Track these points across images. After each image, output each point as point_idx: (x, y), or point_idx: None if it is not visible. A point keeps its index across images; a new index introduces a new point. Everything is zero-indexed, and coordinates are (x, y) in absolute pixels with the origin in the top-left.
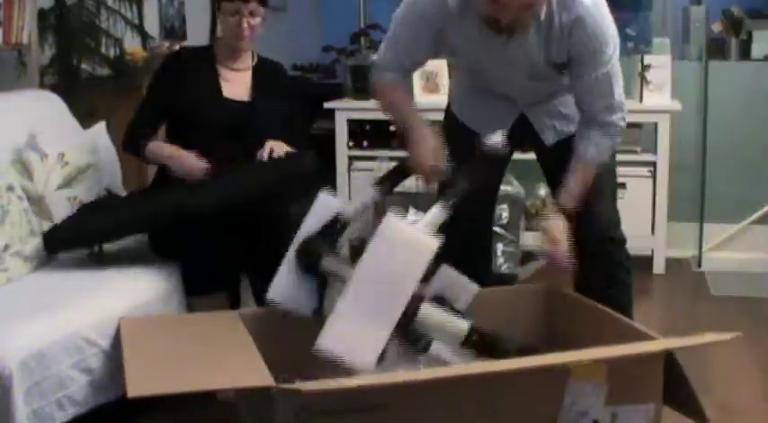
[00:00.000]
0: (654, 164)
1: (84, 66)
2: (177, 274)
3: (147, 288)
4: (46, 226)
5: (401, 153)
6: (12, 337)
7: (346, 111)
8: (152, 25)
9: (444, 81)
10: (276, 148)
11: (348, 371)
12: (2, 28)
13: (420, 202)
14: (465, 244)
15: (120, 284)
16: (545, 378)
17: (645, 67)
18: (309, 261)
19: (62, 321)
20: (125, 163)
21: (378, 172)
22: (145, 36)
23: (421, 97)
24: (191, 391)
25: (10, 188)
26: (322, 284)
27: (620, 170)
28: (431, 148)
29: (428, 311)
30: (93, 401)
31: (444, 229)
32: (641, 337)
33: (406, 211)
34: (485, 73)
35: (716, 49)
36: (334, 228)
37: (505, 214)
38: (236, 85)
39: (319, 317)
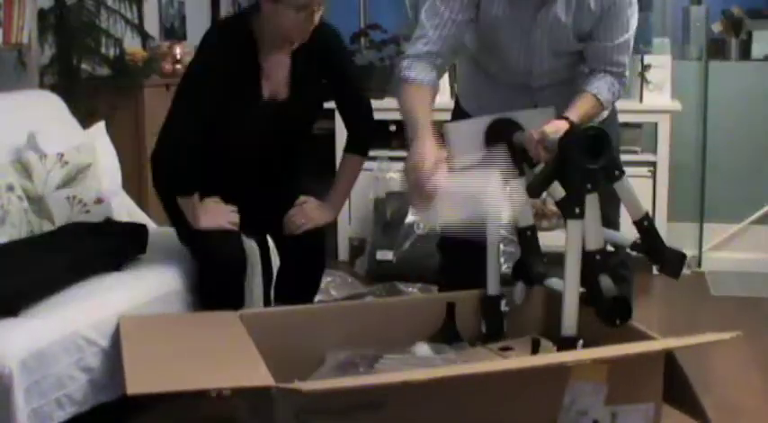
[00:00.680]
0: (654, 164)
1: (84, 66)
2: (178, 274)
3: (147, 288)
4: (46, 226)
5: (401, 153)
6: (12, 336)
7: None
8: (152, 25)
9: (445, 84)
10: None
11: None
12: (2, 28)
13: None
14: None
15: (120, 284)
16: (545, 378)
17: (645, 67)
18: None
19: (62, 321)
20: (125, 163)
21: (378, 172)
22: (145, 36)
23: None
24: (189, 390)
25: (10, 188)
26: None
27: None
28: (429, 162)
29: None
30: (93, 400)
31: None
32: (641, 337)
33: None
34: (506, 54)
35: (716, 49)
36: None
37: None
38: (275, 76)
39: None
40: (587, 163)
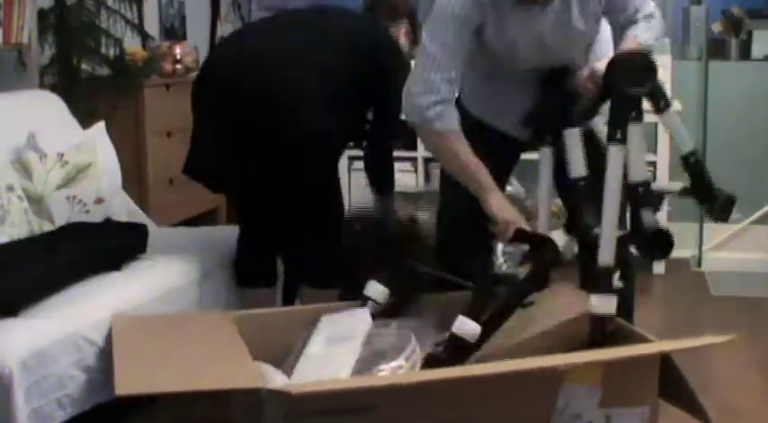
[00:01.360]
0: (654, 164)
1: (84, 66)
2: (178, 274)
3: (146, 288)
4: (46, 226)
5: (401, 153)
6: (12, 336)
7: None
8: (152, 25)
9: None
10: None
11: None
12: (2, 28)
13: (420, 202)
14: (470, 243)
15: (120, 284)
16: (538, 380)
17: None
18: None
19: (62, 321)
20: (125, 163)
21: None
22: (145, 36)
23: None
24: (179, 391)
25: (10, 188)
26: None
27: None
28: (513, 211)
29: None
30: (93, 400)
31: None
32: (636, 339)
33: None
34: (516, 55)
35: (716, 49)
36: None
37: None
38: None
39: None
40: (631, 88)
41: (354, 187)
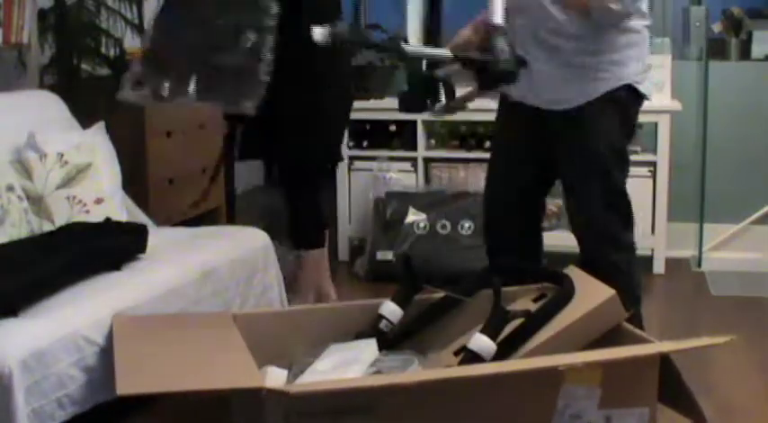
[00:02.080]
0: (654, 164)
1: (84, 66)
2: (178, 274)
3: (147, 288)
4: (46, 226)
5: (401, 153)
6: (12, 336)
7: None
8: None
9: None
10: None
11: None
12: (2, 28)
13: (419, 203)
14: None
15: (120, 284)
16: (538, 381)
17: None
18: None
19: (62, 320)
20: (125, 163)
21: (378, 172)
22: None
23: None
24: (180, 391)
25: (10, 188)
26: None
27: None
28: None
29: None
30: (93, 400)
31: None
32: (636, 339)
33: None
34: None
35: (716, 49)
36: None
37: None
38: None
39: None
40: None
41: (354, 187)
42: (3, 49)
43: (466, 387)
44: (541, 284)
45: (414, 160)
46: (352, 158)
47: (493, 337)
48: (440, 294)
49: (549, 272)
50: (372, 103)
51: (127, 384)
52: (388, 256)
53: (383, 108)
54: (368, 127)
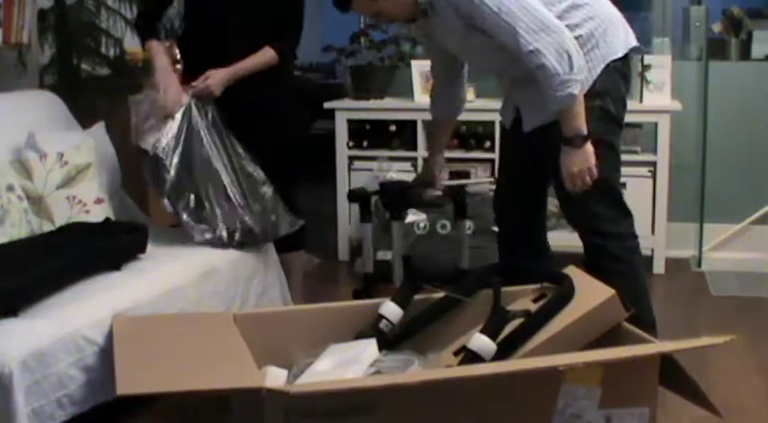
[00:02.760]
0: (654, 164)
1: (84, 66)
2: (178, 274)
3: (147, 288)
4: (46, 226)
5: (401, 153)
6: (12, 336)
7: (346, 111)
8: None
9: None
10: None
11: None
12: (2, 28)
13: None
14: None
15: (120, 284)
16: (538, 381)
17: (645, 67)
18: None
19: (62, 320)
20: (125, 163)
21: (378, 172)
22: None
23: (421, 98)
24: (180, 391)
25: (10, 188)
26: None
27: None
28: None
29: None
30: (93, 400)
31: None
32: (636, 339)
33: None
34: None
35: (716, 49)
36: None
37: None
38: None
39: None
40: None
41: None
42: (3, 49)
43: (466, 387)
44: (541, 284)
45: (414, 160)
46: (352, 158)
47: (493, 337)
48: (440, 294)
49: (549, 272)
50: (372, 103)
51: (127, 384)
52: (388, 256)
53: (383, 108)
54: (368, 127)
